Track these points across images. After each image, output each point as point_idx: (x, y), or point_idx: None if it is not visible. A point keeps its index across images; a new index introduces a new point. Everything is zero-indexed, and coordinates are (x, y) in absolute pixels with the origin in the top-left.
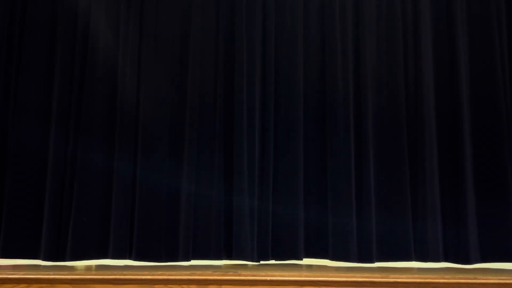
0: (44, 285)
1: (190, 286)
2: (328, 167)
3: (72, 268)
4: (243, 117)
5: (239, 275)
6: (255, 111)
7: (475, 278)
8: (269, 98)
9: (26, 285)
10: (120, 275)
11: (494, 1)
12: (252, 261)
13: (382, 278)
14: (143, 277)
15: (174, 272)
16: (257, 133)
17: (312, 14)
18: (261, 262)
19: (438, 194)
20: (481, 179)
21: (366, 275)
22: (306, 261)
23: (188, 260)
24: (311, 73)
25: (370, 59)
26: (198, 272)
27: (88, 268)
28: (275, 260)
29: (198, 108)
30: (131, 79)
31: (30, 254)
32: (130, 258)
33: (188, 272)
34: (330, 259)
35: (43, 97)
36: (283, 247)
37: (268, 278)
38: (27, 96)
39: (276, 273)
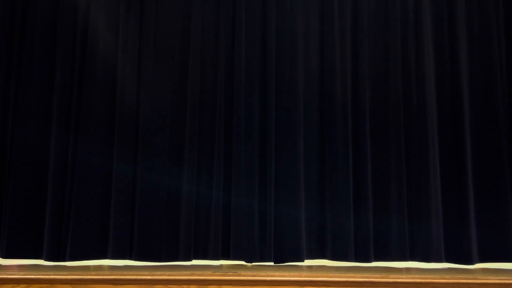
0: (44, 285)
1: (190, 286)
2: (326, 167)
3: (72, 268)
4: (243, 117)
5: (239, 275)
6: (255, 110)
7: (475, 278)
8: (269, 97)
9: (26, 285)
10: (120, 275)
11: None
12: (252, 262)
13: (382, 278)
14: (143, 277)
15: (174, 272)
16: (257, 133)
17: (312, 12)
18: (262, 263)
19: (439, 195)
20: (481, 180)
21: (366, 275)
22: (306, 261)
23: (189, 260)
24: (311, 72)
25: (369, 57)
26: (198, 272)
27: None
28: (277, 262)
29: (198, 107)
30: (131, 79)
31: (33, 255)
32: (130, 258)
33: (188, 272)
34: (328, 259)
35: (43, 97)
36: (285, 248)
37: (268, 278)
38: (28, 97)
39: (276, 273)
